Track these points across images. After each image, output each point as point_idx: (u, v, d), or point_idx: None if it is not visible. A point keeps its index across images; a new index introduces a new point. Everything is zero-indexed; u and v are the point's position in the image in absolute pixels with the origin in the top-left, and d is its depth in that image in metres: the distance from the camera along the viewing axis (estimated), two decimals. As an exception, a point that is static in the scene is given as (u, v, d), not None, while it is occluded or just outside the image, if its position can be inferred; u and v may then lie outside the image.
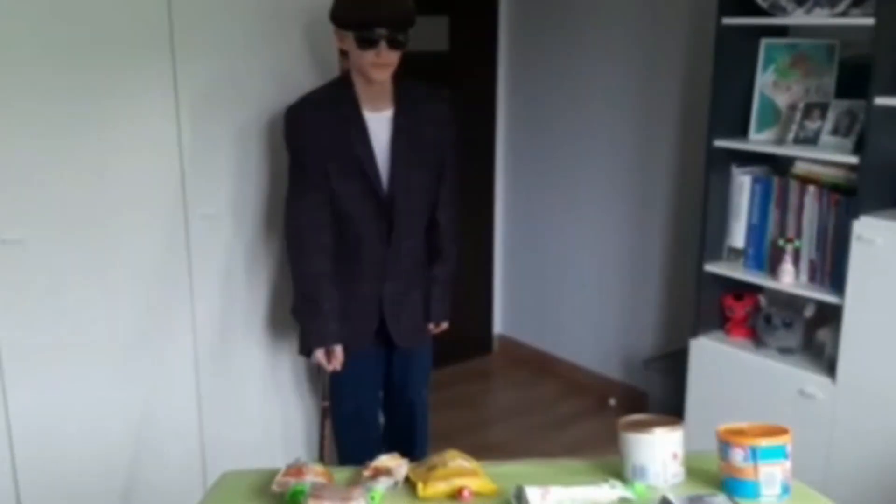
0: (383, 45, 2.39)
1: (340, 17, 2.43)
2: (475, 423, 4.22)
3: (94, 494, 2.80)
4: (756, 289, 3.36)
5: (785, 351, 3.23)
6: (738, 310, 3.39)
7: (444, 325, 2.86)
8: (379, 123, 2.55)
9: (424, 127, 2.61)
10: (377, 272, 2.65)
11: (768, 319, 3.23)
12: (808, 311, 3.20)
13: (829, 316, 3.12)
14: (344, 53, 2.58)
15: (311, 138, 2.51)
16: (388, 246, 2.63)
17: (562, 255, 4.61)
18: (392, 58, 2.44)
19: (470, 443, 3.95)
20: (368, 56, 2.40)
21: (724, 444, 1.47)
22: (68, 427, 2.71)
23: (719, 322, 3.47)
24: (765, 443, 1.43)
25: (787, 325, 3.20)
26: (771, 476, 1.43)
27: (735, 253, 3.35)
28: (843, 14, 2.85)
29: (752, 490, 1.44)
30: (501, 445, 3.96)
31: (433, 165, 2.68)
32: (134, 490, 2.88)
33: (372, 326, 2.69)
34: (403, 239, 2.66)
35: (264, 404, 3.12)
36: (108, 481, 2.82)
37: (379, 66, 2.43)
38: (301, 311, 2.67)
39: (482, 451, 3.85)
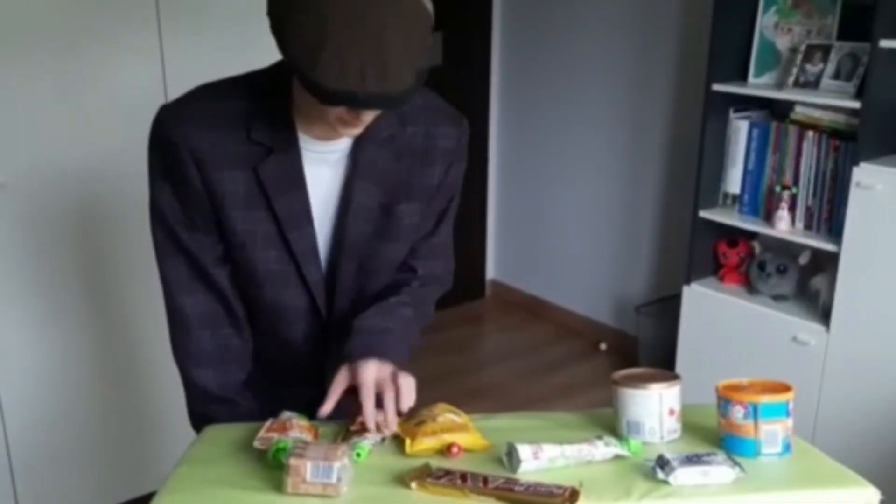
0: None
1: (295, 65, 1.23)
2: (467, 367, 4.21)
3: (81, 440, 2.78)
4: (751, 235, 3.32)
5: (779, 298, 3.20)
6: (732, 256, 3.36)
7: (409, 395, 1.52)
8: (327, 158, 1.49)
9: (403, 165, 1.54)
10: (308, 383, 1.65)
11: (762, 266, 3.20)
12: (803, 258, 3.17)
13: (824, 263, 3.09)
14: None
15: (197, 178, 1.43)
16: (324, 353, 1.64)
17: (555, 200, 4.56)
18: (370, 116, 1.35)
19: (462, 386, 3.97)
20: (335, 110, 1.31)
21: (724, 401, 1.43)
22: (54, 373, 2.69)
23: (713, 268, 3.44)
24: (766, 400, 1.38)
25: (782, 272, 3.17)
26: (772, 434, 1.39)
27: (731, 199, 3.30)
28: (849, -48, 2.77)
29: (752, 448, 1.40)
30: (493, 389, 3.96)
31: (416, 229, 1.63)
32: (120, 438, 2.86)
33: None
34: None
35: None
36: (95, 428, 2.80)
37: (352, 125, 1.36)
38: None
39: (474, 394, 3.89)
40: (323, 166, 1.49)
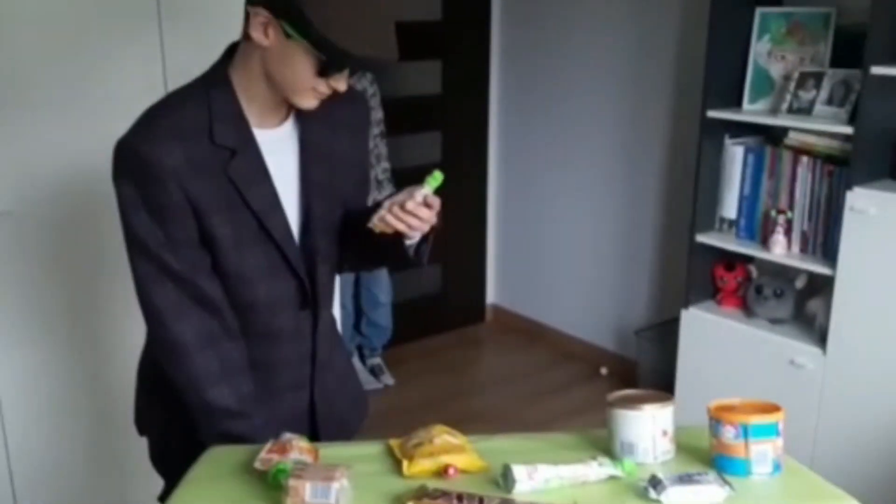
0: (347, 72, 1.53)
1: (322, 37, 1.41)
2: (467, 391, 4.23)
3: (80, 449, 2.80)
4: (748, 259, 3.35)
5: (776, 321, 3.22)
6: (730, 280, 3.39)
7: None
8: (275, 145, 1.61)
9: (340, 137, 1.70)
10: (300, 376, 1.78)
11: (759, 290, 3.22)
12: (800, 282, 3.20)
13: (821, 287, 3.12)
14: (248, 36, 1.50)
15: (178, 193, 1.49)
16: (314, 332, 1.75)
17: (554, 225, 4.59)
18: (345, 85, 1.55)
19: (462, 410, 3.98)
20: (318, 83, 1.51)
21: (715, 421, 1.45)
22: (54, 385, 2.72)
23: (711, 292, 3.46)
24: (756, 420, 1.41)
25: (778, 296, 3.19)
26: (762, 454, 1.42)
27: (727, 223, 3.33)
28: (840, -19, 2.82)
29: (743, 468, 1.42)
30: (493, 413, 3.97)
31: (350, 193, 1.76)
32: (118, 447, 2.87)
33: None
34: (325, 311, 1.78)
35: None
36: (93, 437, 2.82)
37: (322, 95, 1.54)
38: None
39: (474, 418, 3.90)
40: (278, 153, 1.61)
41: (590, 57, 4.21)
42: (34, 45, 2.46)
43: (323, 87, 1.51)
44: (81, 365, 2.74)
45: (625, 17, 4.02)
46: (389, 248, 1.68)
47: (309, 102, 1.54)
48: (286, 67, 1.48)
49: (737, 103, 3.24)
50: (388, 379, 4.25)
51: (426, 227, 1.60)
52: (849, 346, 2.93)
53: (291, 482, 1.32)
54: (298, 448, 1.51)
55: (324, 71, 1.47)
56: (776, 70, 3.16)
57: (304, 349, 1.75)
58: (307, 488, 1.32)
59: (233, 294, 1.62)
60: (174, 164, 1.47)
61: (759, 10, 3.17)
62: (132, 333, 2.77)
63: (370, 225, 1.59)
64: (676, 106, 3.87)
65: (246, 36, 1.51)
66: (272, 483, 1.42)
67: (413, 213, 1.55)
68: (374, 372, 4.28)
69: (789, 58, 3.12)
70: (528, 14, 4.50)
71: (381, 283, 4.15)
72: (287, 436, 1.57)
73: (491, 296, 5.09)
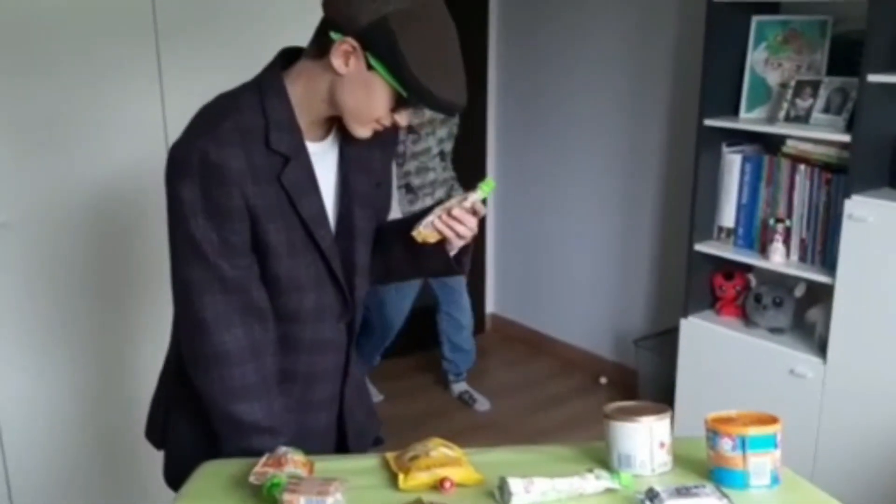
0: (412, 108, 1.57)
1: (414, 78, 1.44)
2: (468, 402, 4.20)
3: (78, 463, 2.79)
4: (746, 268, 3.34)
5: (775, 330, 3.21)
6: (729, 289, 3.38)
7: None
8: (318, 157, 1.61)
9: (374, 152, 1.71)
10: (334, 388, 1.78)
11: (758, 299, 3.21)
12: (799, 291, 3.19)
13: (820, 295, 3.11)
14: (319, 56, 1.49)
15: (239, 198, 1.48)
16: (349, 344, 1.77)
17: (553, 235, 4.59)
18: (406, 121, 1.62)
19: (462, 421, 3.97)
20: (385, 116, 1.54)
21: (713, 433, 1.44)
22: (52, 399, 2.72)
23: (710, 301, 3.45)
24: (754, 432, 1.40)
25: (778, 305, 3.18)
26: (760, 466, 1.41)
27: (725, 232, 3.33)
28: (836, -11, 2.82)
29: (741, 480, 1.41)
30: (493, 424, 3.96)
31: (381, 206, 1.81)
32: (115, 460, 2.86)
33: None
34: (358, 323, 1.80)
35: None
36: (91, 450, 2.82)
37: (381, 127, 1.57)
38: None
39: (474, 429, 3.90)
40: (320, 165, 1.60)
41: (587, 66, 4.22)
42: (32, 59, 2.46)
43: (386, 120, 1.54)
44: (85, 376, 2.73)
45: (622, 26, 4.02)
46: (429, 258, 1.71)
47: (366, 132, 1.56)
48: (361, 97, 1.49)
49: (734, 112, 3.24)
50: (483, 404, 4.13)
51: (469, 235, 1.63)
52: (849, 355, 2.92)
53: (286, 496, 1.32)
54: (293, 461, 1.50)
55: (397, 106, 1.51)
56: (773, 78, 3.16)
57: (340, 361, 1.75)
58: (301, 502, 1.31)
59: (282, 303, 1.60)
60: (238, 168, 1.46)
61: (755, 19, 3.17)
62: (137, 344, 2.80)
63: (414, 233, 1.62)
64: (673, 114, 3.87)
65: (316, 56, 1.50)
66: (267, 497, 1.41)
67: (459, 220, 1.60)
68: (464, 398, 4.19)
69: (786, 66, 3.12)
70: (526, 21, 4.50)
71: (463, 308, 4.10)
72: (282, 449, 1.56)
73: (490, 305, 5.08)
